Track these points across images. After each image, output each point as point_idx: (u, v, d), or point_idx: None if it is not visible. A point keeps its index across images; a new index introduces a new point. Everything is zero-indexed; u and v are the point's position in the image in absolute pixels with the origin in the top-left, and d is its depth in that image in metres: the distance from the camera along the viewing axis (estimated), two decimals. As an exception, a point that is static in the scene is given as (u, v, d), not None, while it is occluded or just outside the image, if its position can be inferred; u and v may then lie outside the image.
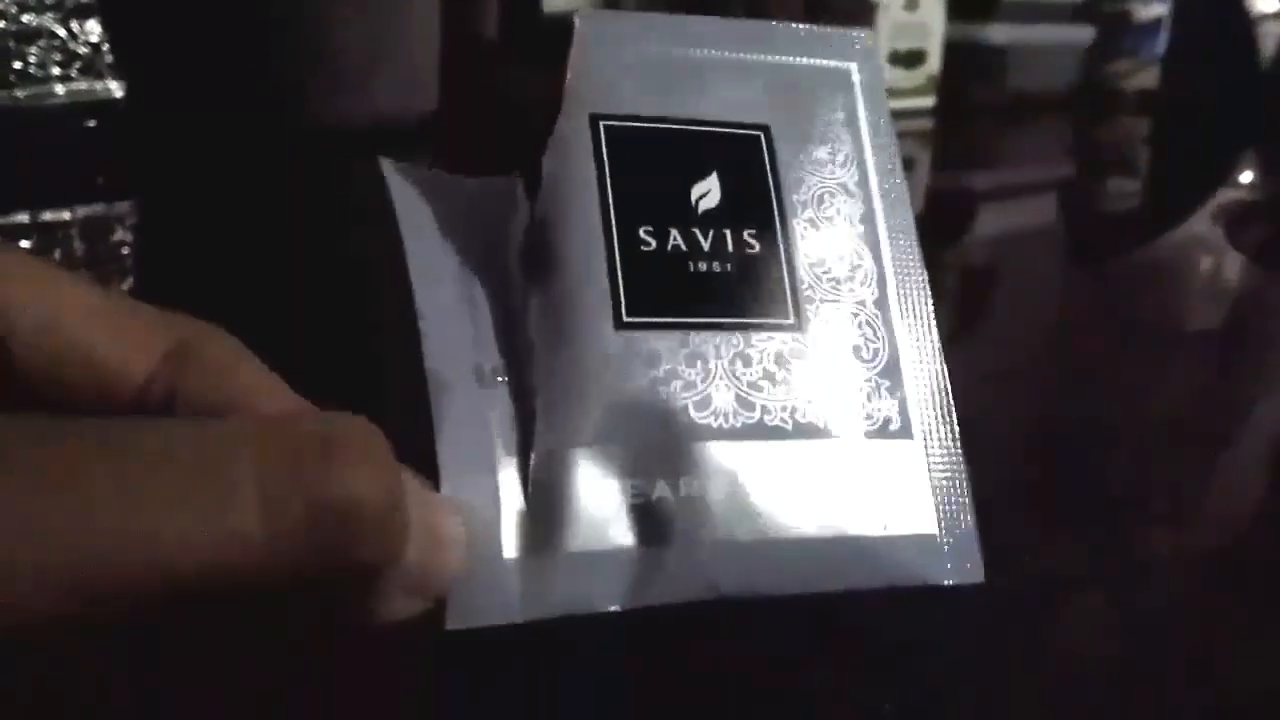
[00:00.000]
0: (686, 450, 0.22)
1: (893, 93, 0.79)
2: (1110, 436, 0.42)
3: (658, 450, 0.22)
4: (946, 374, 0.24)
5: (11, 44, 0.54)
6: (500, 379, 0.22)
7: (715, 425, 0.22)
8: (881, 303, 0.24)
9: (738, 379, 0.23)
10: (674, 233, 0.23)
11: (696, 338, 0.23)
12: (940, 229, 0.69)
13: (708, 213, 0.24)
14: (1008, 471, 0.37)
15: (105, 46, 0.56)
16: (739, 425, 0.22)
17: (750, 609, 0.22)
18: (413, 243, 0.22)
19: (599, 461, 0.21)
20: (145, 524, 0.14)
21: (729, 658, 0.28)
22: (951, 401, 0.24)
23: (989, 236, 0.74)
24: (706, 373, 0.23)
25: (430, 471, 0.19)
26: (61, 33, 0.54)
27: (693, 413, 0.22)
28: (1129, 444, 0.41)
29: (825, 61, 0.26)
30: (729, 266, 0.23)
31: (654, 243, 0.23)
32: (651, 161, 0.24)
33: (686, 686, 0.27)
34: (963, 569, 0.22)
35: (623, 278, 0.22)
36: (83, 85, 0.54)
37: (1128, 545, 0.33)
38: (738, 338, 0.23)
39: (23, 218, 0.55)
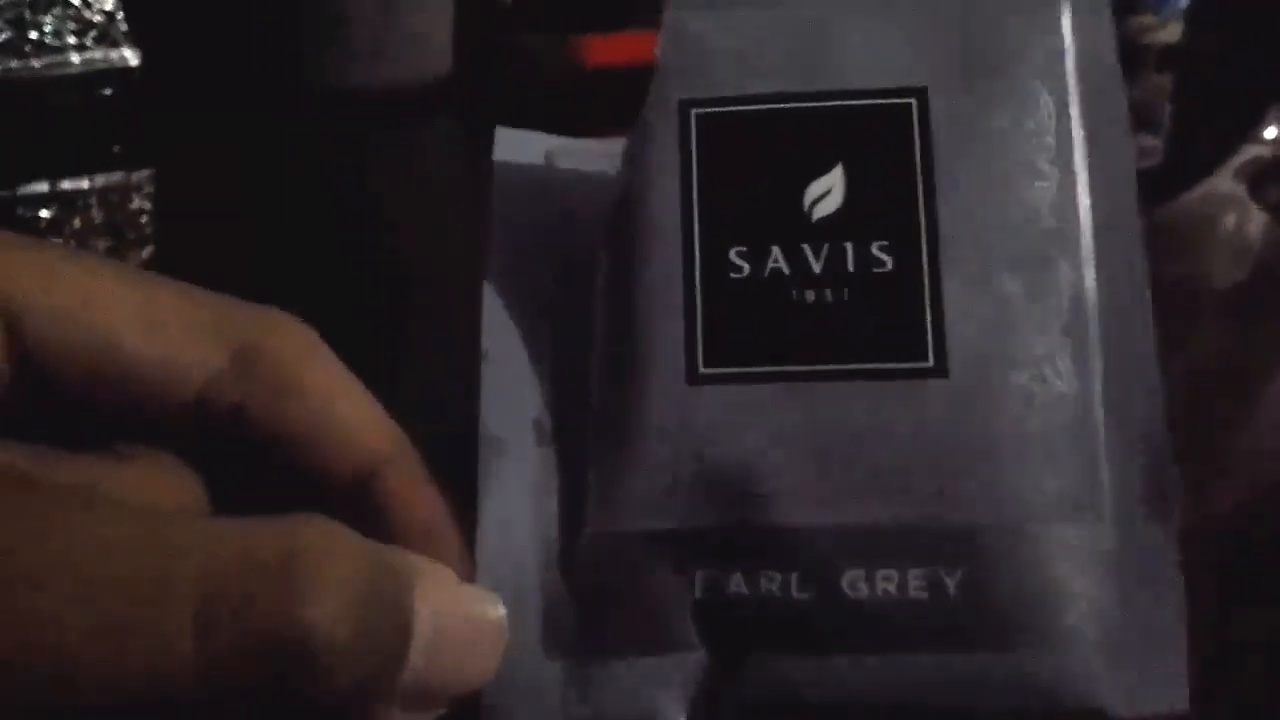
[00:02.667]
0: (770, 534, 0.17)
1: None
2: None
3: (735, 534, 0.17)
4: (1168, 439, 0.18)
5: (27, 14, 0.54)
6: (560, 438, 0.18)
7: (811, 502, 0.17)
8: (1076, 329, 0.18)
9: (848, 443, 0.17)
10: (775, 251, 0.18)
11: (795, 392, 0.18)
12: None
13: (824, 221, 0.18)
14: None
15: (119, 15, 0.56)
16: (845, 503, 0.17)
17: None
18: (498, 261, 0.19)
19: (659, 547, 0.17)
20: (69, 636, 0.13)
21: None
22: (1173, 473, 0.18)
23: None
24: (806, 437, 0.18)
25: (467, 535, 0.17)
26: (76, 1, 0.54)
27: (782, 486, 0.17)
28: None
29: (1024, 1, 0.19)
30: (846, 293, 0.18)
31: (747, 267, 0.18)
32: (755, 157, 0.19)
33: None
34: (1156, 695, 0.17)
35: (702, 317, 0.18)
36: (98, 54, 0.54)
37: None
38: (851, 390, 0.18)
39: (42, 187, 0.55)
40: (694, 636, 0.17)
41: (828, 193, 0.18)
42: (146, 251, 0.51)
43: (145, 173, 0.56)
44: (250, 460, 0.17)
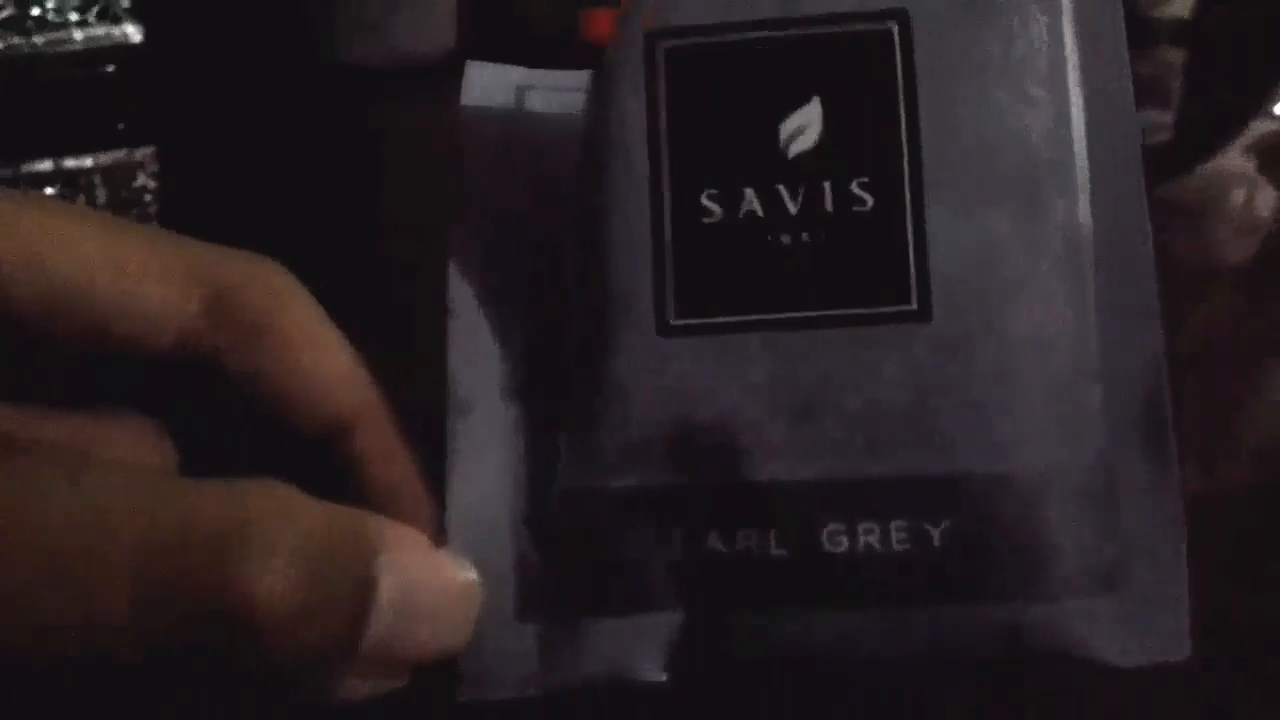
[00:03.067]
0: (747, 490, 0.17)
1: None
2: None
3: (710, 490, 0.17)
4: (1164, 372, 0.17)
5: (28, -11, 0.53)
6: (529, 394, 0.18)
7: (790, 456, 0.17)
8: (1070, 265, 0.17)
9: (828, 393, 0.17)
10: (749, 194, 0.17)
11: (771, 341, 0.17)
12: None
13: (801, 158, 0.17)
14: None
15: (122, -10, 0.56)
16: (824, 454, 0.17)
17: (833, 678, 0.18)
18: (466, 214, 0.18)
19: (634, 505, 0.17)
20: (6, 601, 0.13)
21: None
22: (1168, 411, 0.17)
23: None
24: (784, 388, 0.17)
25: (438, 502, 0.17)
26: (78, -23, 0.54)
27: (759, 441, 0.17)
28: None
29: None
30: (824, 236, 0.17)
31: (719, 210, 0.17)
32: (727, 93, 0.18)
33: None
34: (1155, 644, 0.17)
35: (673, 265, 0.17)
36: (100, 31, 0.54)
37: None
38: (832, 337, 0.17)
39: (45, 165, 0.55)
40: (672, 595, 0.17)
41: (804, 128, 0.18)
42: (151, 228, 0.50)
43: (149, 150, 0.55)
44: (226, 415, 0.17)
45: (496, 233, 0.18)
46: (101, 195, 0.54)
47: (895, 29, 0.17)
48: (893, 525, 0.17)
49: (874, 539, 0.17)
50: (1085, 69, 0.17)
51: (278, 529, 0.14)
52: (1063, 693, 0.23)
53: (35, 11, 0.53)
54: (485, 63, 0.19)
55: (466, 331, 0.18)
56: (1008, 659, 0.17)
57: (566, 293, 0.18)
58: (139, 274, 0.16)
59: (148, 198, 0.55)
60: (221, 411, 0.17)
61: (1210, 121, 0.91)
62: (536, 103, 0.19)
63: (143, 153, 0.57)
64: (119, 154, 0.56)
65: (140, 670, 0.13)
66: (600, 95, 0.18)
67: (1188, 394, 0.43)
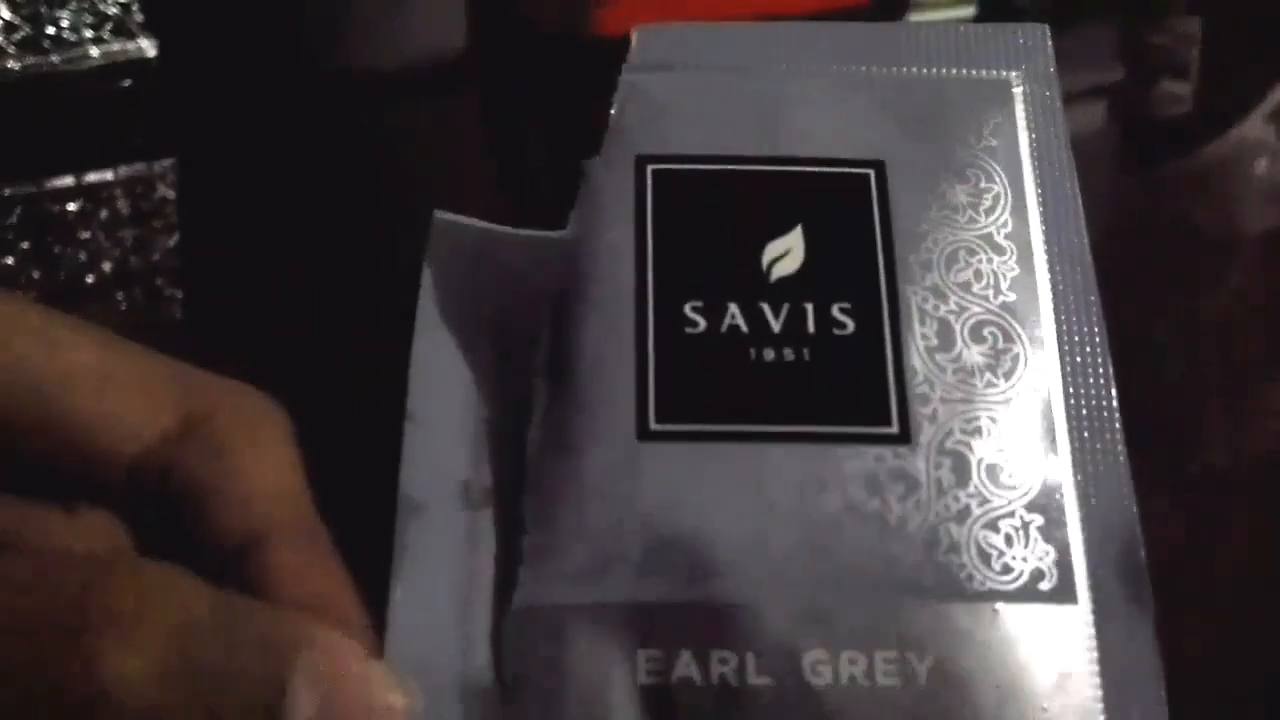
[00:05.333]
0: (725, 612, 0.16)
1: (931, 4, 0.77)
2: (1163, 344, 0.41)
3: (684, 610, 0.16)
4: (1135, 510, 0.17)
5: (44, 9, 0.54)
6: (491, 499, 0.17)
7: (769, 578, 0.16)
8: (1037, 401, 0.17)
9: (808, 513, 0.16)
10: (733, 309, 0.17)
11: (751, 453, 0.17)
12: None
13: (784, 281, 0.18)
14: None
15: (135, 6, 0.56)
16: (805, 577, 0.16)
17: None
18: (426, 330, 0.17)
19: (600, 622, 0.16)
20: None
21: None
22: (1141, 551, 0.17)
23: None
24: (764, 503, 0.16)
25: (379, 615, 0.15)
26: (92, -6, 0.54)
27: (737, 559, 0.16)
28: (1182, 352, 0.41)
29: (973, 71, 0.19)
30: (807, 353, 0.17)
31: (703, 322, 0.17)
32: (712, 215, 0.18)
33: None
34: None
35: (654, 370, 0.17)
36: (116, 46, 0.55)
37: (1183, 456, 0.33)
38: (812, 453, 0.17)
39: (67, 181, 0.56)
40: None
41: (787, 253, 0.18)
42: (174, 239, 0.51)
43: (168, 161, 0.56)
44: (174, 520, 0.17)
45: (461, 339, 0.18)
46: (124, 208, 0.54)
47: (873, 175, 0.18)
48: (877, 657, 0.16)
49: (858, 670, 0.16)
50: (1047, 229, 0.18)
51: (149, 609, 0.13)
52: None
53: (51, 30, 0.54)
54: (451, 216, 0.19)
55: (425, 434, 0.17)
56: None
57: (537, 395, 0.17)
58: (120, 393, 0.16)
59: (169, 209, 0.56)
60: (172, 517, 0.17)
61: (1229, 91, 0.90)
62: (503, 237, 0.19)
63: (162, 165, 0.57)
64: (139, 167, 0.57)
65: None
66: (587, 209, 0.18)
67: (1212, 362, 0.43)
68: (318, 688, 0.13)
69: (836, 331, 0.17)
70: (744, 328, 0.17)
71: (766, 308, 0.18)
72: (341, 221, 0.50)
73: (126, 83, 0.58)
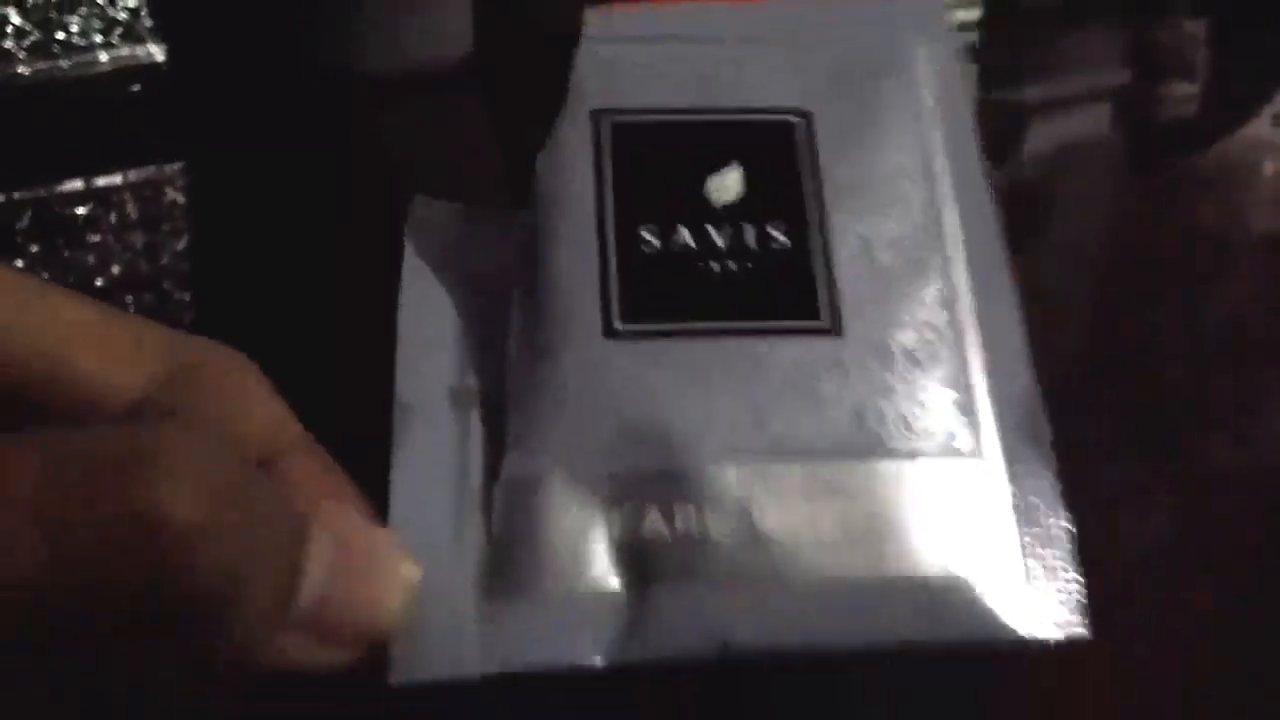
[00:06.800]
0: (685, 474, 0.19)
1: (937, 8, 0.77)
2: (1171, 347, 0.41)
3: (649, 474, 0.19)
4: (1035, 381, 0.20)
5: (54, 14, 0.54)
6: (477, 398, 0.19)
7: (722, 445, 0.19)
8: (948, 300, 0.21)
9: (753, 392, 0.19)
10: (683, 230, 0.20)
11: (704, 346, 0.20)
12: (992, 144, 0.67)
13: (727, 207, 0.21)
14: (1067, 385, 0.37)
15: (144, 11, 0.56)
16: (753, 445, 0.19)
17: (769, 666, 0.19)
18: (411, 279, 0.20)
19: (577, 488, 0.18)
20: None
21: None
22: (1043, 414, 0.20)
23: (1042, 149, 0.73)
24: (715, 385, 0.19)
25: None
26: (101, 0, 0.55)
27: (695, 431, 0.19)
28: (1190, 355, 0.41)
29: (887, 41, 0.23)
30: (749, 265, 0.20)
31: (657, 242, 0.20)
32: (662, 156, 0.21)
33: None
34: (1055, 619, 0.18)
35: (617, 280, 0.20)
36: (125, 51, 0.55)
37: (1190, 458, 0.33)
38: (755, 345, 0.20)
39: (76, 185, 0.56)
40: (612, 576, 0.18)
41: (729, 184, 0.21)
42: (183, 242, 0.51)
43: (177, 166, 0.56)
44: None
45: (444, 280, 0.21)
46: (133, 211, 0.55)
47: (801, 121, 0.21)
48: (820, 506, 0.19)
49: (801, 520, 0.18)
50: (951, 163, 0.22)
51: (190, 449, 0.14)
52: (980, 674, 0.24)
53: (61, 36, 0.54)
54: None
55: (415, 349, 0.20)
56: (923, 645, 0.18)
57: (514, 310, 0.20)
58: (110, 345, 0.17)
59: (178, 212, 0.56)
60: None
61: (1236, 92, 0.90)
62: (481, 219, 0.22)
63: (171, 169, 0.58)
64: (148, 170, 0.57)
65: (65, 615, 0.13)
66: (551, 161, 0.21)
67: (1217, 362, 0.43)
68: (331, 542, 0.15)
69: (774, 246, 0.20)
70: (693, 245, 0.20)
71: (711, 229, 0.20)
72: (351, 225, 0.51)
73: (135, 87, 0.59)
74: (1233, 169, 0.69)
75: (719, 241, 0.20)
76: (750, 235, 0.20)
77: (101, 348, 0.17)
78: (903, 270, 0.21)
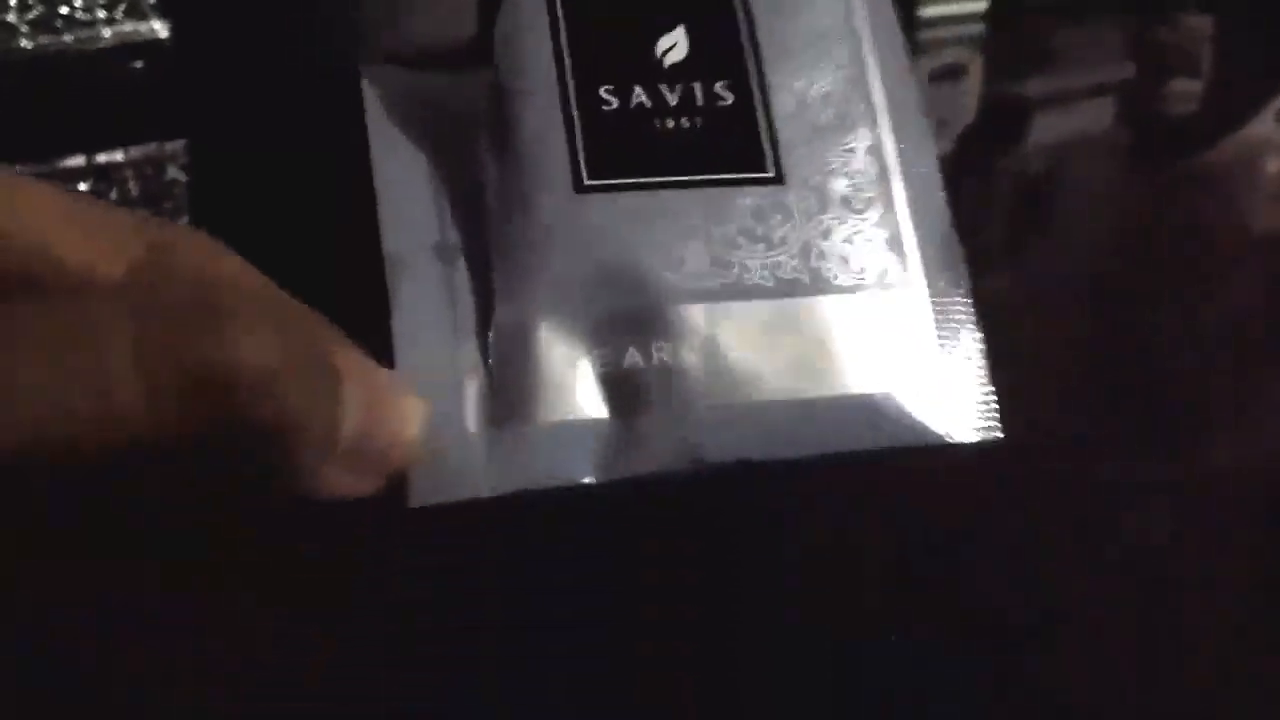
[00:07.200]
0: (657, 314, 0.21)
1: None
2: (1169, 342, 0.41)
3: (626, 316, 0.21)
4: (951, 220, 0.23)
5: (57, -12, 0.54)
6: (461, 251, 0.21)
7: (688, 287, 0.21)
8: (876, 149, 0.23)
9: (712, 237, 0.22)
10: (638, 90, 0.22)
11: (665, 197, 0.22)
12: (996, 137, 0.67)
13: (675, 66, 0.23)
14: (1069, 382, 0.37)
15: (148, -14, 0.56)
16: (715, 285, 0.21)
17: (737, 477, 0.21)
18: (379, 138, 0.22)
19: (563, 331, 0.21)
20: (21, 396, 0.14)
21: (715, 530, 0.28)
22: (959, 249, 0.22)
23: (1045, 144, 0.73)
24: (677, 232, 0.21)
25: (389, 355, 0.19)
26: (104, -26, 0.54)
27: (663, 275, 0.21)
28: (1190, 353, 0.41)
29: None
30: (699, 121, 0.22)
31: (616, 101, 0.22)
32: (612, 19, 0.23)
33: (666, 563, 0.27)
34: (975, 425, 0.21)
35: (582, 139, 0.22)
36: (129, 27, 0.55)
37: (1190, 456, 0.33)
38: (711, 194, 0.22)
39: (78, 161, 0.55)
40: (600, 405, 0.20)
41: (675, 45, 0.23)
42: (183, 220, 0.51)
43: (178, 143, 0.56)
44: None
45: (414, 140, 0.23)
46: (134, 188, 0.54)
47: None
48: (776, 339, 0.21)
49: (762, 347, 0.21)
50: (869, 13, 0.24)
51: (254, 306, 0.16)
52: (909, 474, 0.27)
53: (64, 10, 0.54)
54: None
55: (395, 210, 0.22)
56: (868, 451, 0.21)
57: (486, 171, 0.22)
58: (93, 228, 0.18)
59: (178, 190, 0.56)
60: None
61: (1239, 89, 0.90)
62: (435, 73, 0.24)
63: (173, 146, 0.57)
64: (149, 148, 0.57)
65: (155, 450, 0.15)
66: (507, 32, 0.22)
67: (1218, 360, 0.43)
68: (358, 379, 0.17)
69: (719, 104, 0.23)
70: (647, 104, 0.22)
71: (663, 88, 0.22)
72: (352, 201, 0.51)
73: (138, 64, 0.58)
74: (1235, 166, 0.69)
75: (671, 100, 0.22)
76: (699, 93, 0.23)
77: (80, 234, 0.18)
78: (834, 122, 0.23)
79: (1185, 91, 0.99)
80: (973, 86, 0.82)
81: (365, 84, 0.23)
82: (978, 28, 1.04)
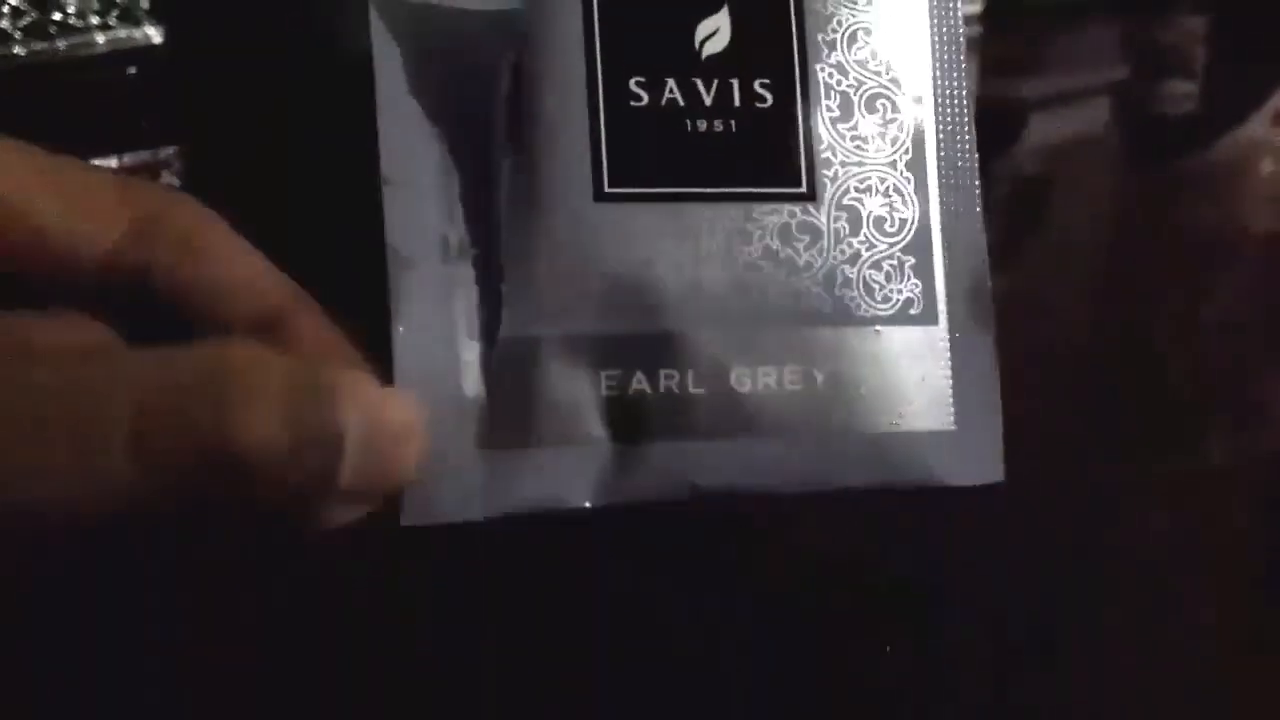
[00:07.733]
0: (668, 340, 0.20)
1: None
2: (1165, 343, 0.41)
3: (635, 339, 0.20)
4: (985, 251, 0.21)
5: (50, -6, 0.54)
6: (469, 253, 0.20)
7: (704, 311, 0.20)
8: (916, 164, 0.22)
9: (733, 258, 0.20)
10: (671, 84, 0.20)
11: (688, 211, 0.20)
12: (990, 138, 0.67)
13: (713, 58, 0.21)
14: (1064, 382, 0.37)
15: (141, -8, 0.56)
16: (732, 311, 0.20)
17: (735, 507, 0.21)
18: (388, 93, 0.20)
19: (570, 350, 0.20)
20: (13, 468, 0.14)
21: (710, 560, 0.27)
22: (988, 283, 0.21)
23: (1040, 144, 0.73)
24: (698, 252, 0.20)
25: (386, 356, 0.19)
26: (98, -20, 0.54)
27: (678, 298, 0.20)
28: (1185, 351, 0.41)
29: None
30: (733, 125, 0.21)
31: (646, 97, 0.20)
32: (650, 2, 0.21)
33: (657, 590, 0.27)
34: (981, 468, 0.21)
35: (607, 141, 0.20)
36: (122, 33, 0.55)
37: (1187, 457, 0.33)
38: (737, 210, 0.20)
39: (72, 168, 0.56)
40: (601, 430, 0.20)
41: (717, 31, 0.21)
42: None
43: (173, 149, 0.56)
44: (158, 319, 0.18)
45: (423, 112, 0.21)
46: (128, 196, 0.54)
47: None
48: (786, 370, 0.20)
49: (771, 380, 0.20)
50: (930, 14, 0.22)
51: (258, 375, 0.15)
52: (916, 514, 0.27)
53: (57, 16, 0.54)
54: None
55: (403, 195, 0.20)
56: (869, 486, 0.21)
57: (501, 163, 0.20)
58: (77, 194, 0.18)
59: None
60: (155, 317, 0.19)
61: (1235, 90, 0.90)
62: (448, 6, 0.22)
63: (167, 153, 0.57)
64: (143, 154, 0.56)
65: (146, 520, 0.14)
66: (539, 8, 0.21)
67: (1215, 361, 0.43)
68: (359, 415, 0.16)
69: (758, 105, 0.21)
70: (680, 101, 0.21)
71: (699, 83, 0.21)
72: (348, 208, 0.50)
73: (132, 70, 0.58)
74: (1231, 167, 0.69)
75: (706, 99, 0.21)
76: (736, 92, 0.21)
77: (61, 203, 0.18)
78: (878, 130, 0.21)
79: (1181, 92, 0.99)
80: (969, 87, 0.82)
81: (374, 35, 0.21)
82: (974, 28, 1.04)
